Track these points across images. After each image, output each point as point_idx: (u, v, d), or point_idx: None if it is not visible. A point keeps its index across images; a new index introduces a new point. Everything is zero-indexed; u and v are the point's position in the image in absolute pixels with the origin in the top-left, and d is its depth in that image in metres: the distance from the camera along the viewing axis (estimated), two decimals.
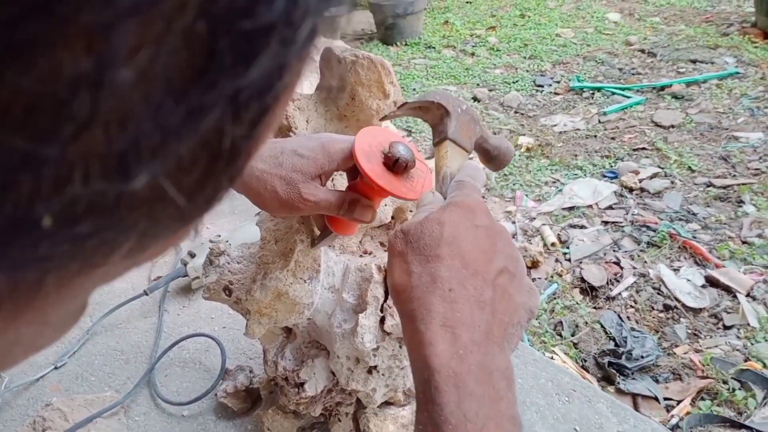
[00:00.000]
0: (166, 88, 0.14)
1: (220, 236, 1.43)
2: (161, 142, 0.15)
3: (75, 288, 0.19)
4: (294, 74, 0.18)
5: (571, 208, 2.66)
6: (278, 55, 0.16)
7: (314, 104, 0.82)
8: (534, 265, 2.28)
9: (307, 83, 0.86)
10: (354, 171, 0.68)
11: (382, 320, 0.79)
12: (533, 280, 2.24)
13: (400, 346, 0.82)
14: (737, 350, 1.83)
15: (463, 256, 0.48)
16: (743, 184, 2.68)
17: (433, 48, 5.03)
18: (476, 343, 0.45)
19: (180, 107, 0.15)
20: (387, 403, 0.94)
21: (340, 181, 0.81)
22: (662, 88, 3.78)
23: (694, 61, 4.10)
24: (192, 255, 1.41)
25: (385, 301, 0.79)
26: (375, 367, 0.83)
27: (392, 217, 0.87)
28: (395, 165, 0.63)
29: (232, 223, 1.61)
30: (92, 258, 0.17)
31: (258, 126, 0.17)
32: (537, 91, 4.04)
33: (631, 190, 2.75)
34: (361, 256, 0.88)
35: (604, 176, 2.91)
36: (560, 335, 1.97)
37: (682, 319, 1.99)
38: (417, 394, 0.46)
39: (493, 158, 0.67)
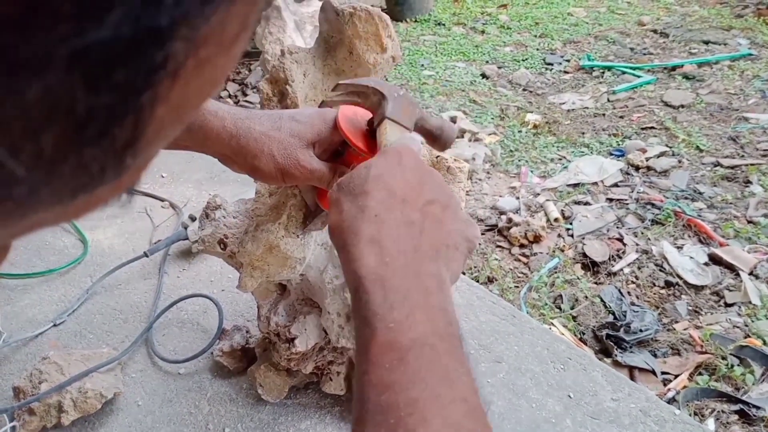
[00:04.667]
0: None
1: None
2: None
3: None
4: (201, 44, 0.15)
5: (576, 185, 2.65)
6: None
7: (312, 58, 0.81)
8: (536, 239, 2.27)
9: (302, 36, 0.86)
10: (344, 145, 0.71)
11: None
12: (534, 254, 2.23)
13: None
14: (737, 327, 1.82)
15: (389, 188, 0.50)
16: (751, 164, 2.65)
17: (443, 25, 4.97)
18: (402, 252, 0.47)
19: None
20: None
21: None
22: (673, 68, 3.73)
23: (706, 42, 4.04)
24: (193, 219, 1.41)
25: None
26: None
27: None
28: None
29: (233, 191, 1.61)
30: None
31: (141, 95, 0.15)
32: (546, 69, 4.00)
33: (637, 168, 2.73)
34: None
35: (611, 154, 2.88)
36: (559, 308, 1.97)
37: (683, 296, 1.98)
38: (351, 307, 0.48)
39: (436, 138, 0.69)
